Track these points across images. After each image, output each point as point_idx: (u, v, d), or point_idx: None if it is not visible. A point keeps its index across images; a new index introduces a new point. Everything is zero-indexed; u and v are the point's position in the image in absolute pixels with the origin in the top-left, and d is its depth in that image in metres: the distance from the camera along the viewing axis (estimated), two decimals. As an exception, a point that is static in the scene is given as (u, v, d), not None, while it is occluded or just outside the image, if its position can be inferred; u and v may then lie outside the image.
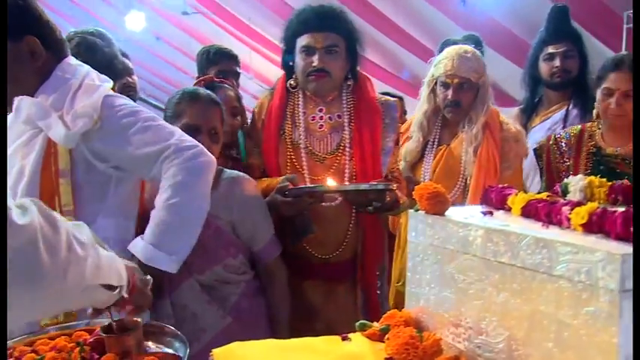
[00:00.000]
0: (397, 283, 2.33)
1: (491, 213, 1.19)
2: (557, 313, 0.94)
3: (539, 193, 1.50)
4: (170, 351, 1.16)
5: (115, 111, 1.53)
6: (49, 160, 1.54)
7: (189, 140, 1.54)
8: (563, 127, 2.72)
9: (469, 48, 2.37)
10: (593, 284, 0.88)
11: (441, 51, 2.98)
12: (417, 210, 1.21)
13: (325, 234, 1.93)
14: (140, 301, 1.16)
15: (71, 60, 1.58)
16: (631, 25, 7.16)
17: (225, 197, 1.76)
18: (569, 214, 1.03)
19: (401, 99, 4.98)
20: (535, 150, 2.43)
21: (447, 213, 1.18)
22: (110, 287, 1.03)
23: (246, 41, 10.99)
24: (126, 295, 1.08)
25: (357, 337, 1.22)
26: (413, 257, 1.23)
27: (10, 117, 1.60)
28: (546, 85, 2.85)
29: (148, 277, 1.21)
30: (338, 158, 2.00)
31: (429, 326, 1.19)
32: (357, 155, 1.99)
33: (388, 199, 1.86)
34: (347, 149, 2.00)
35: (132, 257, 1.45)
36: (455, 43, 2.98)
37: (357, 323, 1.25)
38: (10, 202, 0.84)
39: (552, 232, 1.01)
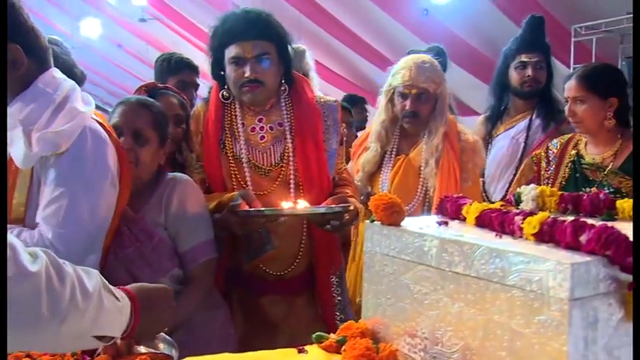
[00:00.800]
0: (356, 299, 2.28)
1: (446, 223, 1.20)
2: (510, 322, 0.95)
3: None
4: (161, 352, 1.17)
5: (87, 149, 1.46)
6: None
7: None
8: (526, 136, 2.83)
9: (427, 57, 2.37)
10: (544, 293, 0.89)
11: None
12: (372, 221, 1.21)
13: (278, 250, 1.87)
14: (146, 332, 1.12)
15: (56, 72, 1.49)
16: (578, 39, 7.43)
17: (162, 199, 1.73)
18: (522, 223, 1.05)
19: (364, 101, 5.03)
20: (532, 158, 2.49)
21: (402, 223, 1.18)
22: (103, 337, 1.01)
23: (205, 49, 10.88)
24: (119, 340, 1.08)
25: (313, 350, 1.21)
26: (369, 268, 1.23)
27: None
28: (515, 93, 2.90)
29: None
30: (283, 169, 1.93)
31: (385, 337, 1.19)
32: (301, 164, 1.92)
33: (347, 217, 1.81)
34: (291, 159, 1.93)
35: None
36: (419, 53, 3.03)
37: (314, 335, 1.24)
38: (20, 246, 0.88)
39: (505, 242, 1.02)
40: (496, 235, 1.08)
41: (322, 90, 2.91)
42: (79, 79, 2.18)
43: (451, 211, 1.27)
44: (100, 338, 1.00)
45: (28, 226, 1.46)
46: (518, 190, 1.44)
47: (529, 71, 2.82)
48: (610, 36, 7.46)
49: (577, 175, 2.25)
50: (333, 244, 2.02)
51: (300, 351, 1.19)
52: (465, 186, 2.31)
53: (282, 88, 1.97)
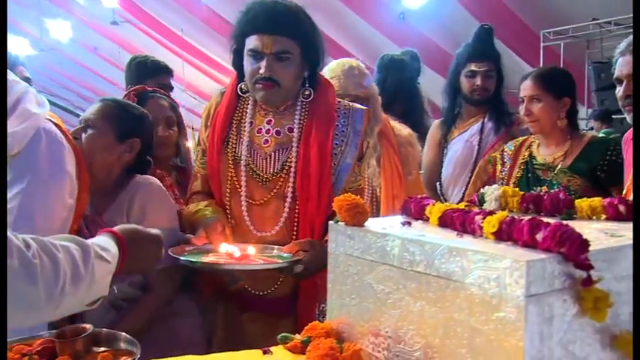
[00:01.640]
0: None
1: (409, 223, 1.21)
2: (469, 319, 0.96)
3: None
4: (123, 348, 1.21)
5: (41, 150, 1.44)
6: None
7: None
8: (480, 139, 2.91)
9: (354, 62, 2.35)
10: (501, 291, 0.91)
11: (379, 66, 3.07)
12: (337, 222, 1.22)
13: (276, 271, 1.72)
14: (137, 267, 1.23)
15: (9, 74, 1.47)
16: (547, 44, 7.57)
17: (125, 202, 1.72)
18: (482, 223, 1.06)
19: None
20: (488, 160, 2.61)
21: (366, 224, 1.19)
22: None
23: (179, 53, 10.86)
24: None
25: (278, 350, 1.21)
26: (333, 269, 1.23)
27: None
28: (466, 99, 2.99)
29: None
30: (282, 180, 1.79)
31: (349, 337, 1.20)
32: (300, 177, 1.77)
33: (298, 270, 1.64)
34: (292, 170, 1.78)
35: None
36: (392, 58, 3.06)
37: (279, 336, 1.24)
38: (13, 235, 0.93)
39: (465, 241, 1.04)
40: (457, 234, 1.10)
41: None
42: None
43: (415, 211, 1.28)
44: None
45: None
46: (481, 190, 1.47)
47: (478, 80, 2.90)
48: (577, 41, 7.64)
49: (529, 175, 2.34)
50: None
51: (265, 352, 1.20)
52: (410, 179, 2.36)
53: (307, 92, 1.84)
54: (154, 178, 1.88)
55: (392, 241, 1.09)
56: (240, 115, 1.87)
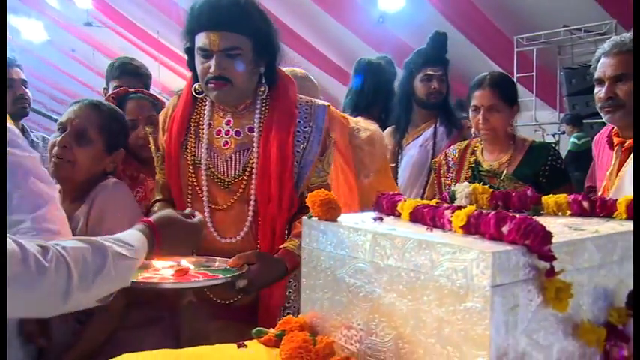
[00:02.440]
0: None
1: (381, 219, 1.24)
2: (438, 310, 0.99)
3: None
4: None
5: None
6: None
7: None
8: (434, 143, 3.03)
9: (299, 71, 2.34)
10: (468, 281, 0.94)
11: (357, 70, 3.11)
12: (310, 217, 1.24)
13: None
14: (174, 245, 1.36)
15: None
16: (520, 49, 7.71)
17: (87, 205, 1.71)
18: (451, 217, 1.10)
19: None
20: (431, 166, 2.66)
21: (338, 219, 1.21)
22: None
23: (155, 55, 10.80)
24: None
25: (253, 344, 1.23)
26: (306, 263, 1.25)
27: None
28: (420, 104, 3.08)
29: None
30: (244, 183, 1.73)
31: (323, 330, 1.22)
32: (260, 179, 1.71)
33: (241, 285, 1.52)
34: (254, 172, 1.72)
35: None
36: (370, 61, 3.11)
37: (254, 330, 1.26)
38: (27, 243, 1.02)
39: (435, 235, 1.07)
40: (427, 229, 1.13)
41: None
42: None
43: (387, 207, 1.31)
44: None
45: None
46: (452, 188, 1.51)
47: (434, 84, 3.01)
48: (548, 47, 7.80)
49: (476, 181, 2.33)
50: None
51: (239, 346, 1.21)
52: (367, 181, 2.34)
53: (262, 88, 1.76)
54: (119, 182, 1.85)
55: (364, 236, 1.12)
56: (197, 117, 1.79)
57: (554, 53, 7.90)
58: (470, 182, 2.34)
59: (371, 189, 2.33)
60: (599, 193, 2.07)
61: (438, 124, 3.05)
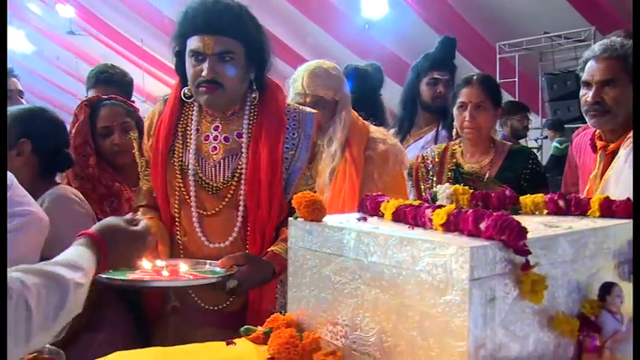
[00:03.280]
0: None
1: (365, 219, 1.28)
2: (419, 304, 1.03)
3: None
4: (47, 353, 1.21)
5: None
6: None
7: None
8: None
9: (324, 63, 2.32)
10: (448, 276, 0.98)
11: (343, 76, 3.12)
12: (296, 218, 1.28)
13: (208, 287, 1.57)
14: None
15: None
16: (503, 55, 7.83)
17: None
18: (431, 215, 1.14)
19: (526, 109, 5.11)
20: (408, 169, 2.58)
21: (324, 219, 1.25)
22: None
23: (139, 63, 10.78)
24: None
25: (241, 342, 1.26)
26: (293, 262, 1.29)
27: None
28: (425, 107, 3.10)
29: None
30: (233, 188, 1.73)
31: (309, 327, 1.25)
32: (250, 184, 1.71)
33: (231, 286, 1.54)
34: (243, 178, 1.72)
35: None
36: (356, 67, 3.10)
37: (242, 328, 1.29)
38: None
39: (416, 233, 1.11)
40: (409, 227, 1.17)
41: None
42: None
43: (370, 208, 1.35)
44: None
45: None
46: (434, 189, 1.55)
47: (440, 88, 3.03)
48: (530, 53, 7.93)
49: (458, 183, 2.33)
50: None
51: (228, 343, 1.24)
52: (387, 180, 2.29)
53: (253, 95, 1.78)
54: (66, 188, 1.87)
55: (348, 234, 1.16)
56: (185, 122, 1.79)
57: (535, 59, 8.03)
58: (452, 184, 2.39)
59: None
60: (584, 194, 2.10)
61: (440, 128, 3.04)
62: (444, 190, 1.51)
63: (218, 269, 1.56)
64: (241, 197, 1.72)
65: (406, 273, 1.05)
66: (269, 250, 1.70)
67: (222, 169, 1.74)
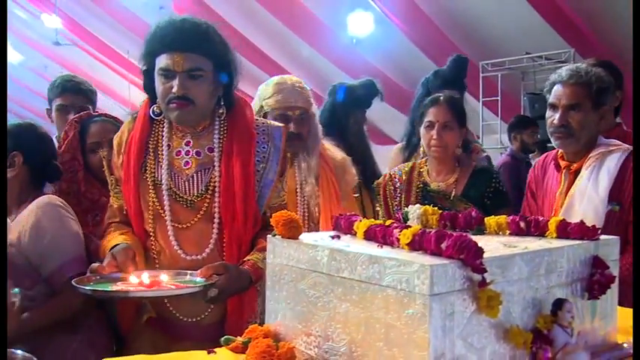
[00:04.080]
0: None
1: (338, 237, 1.37)
2: (386, 317, 1.12)
3: None
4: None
5: None
6: None
7: None
8: None
9: (295, 78, 2.42)
10: (411, 291, 1.07)
11: (332, 93, 3.12)
12: (274, 235, 1.37)
13: (189, 296, 1.60)
14: None
15: None
16: (486, 74, 7.99)
17: (20, 222, 1.78)
18: (399, 235, 1.23)
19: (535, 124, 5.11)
20: (373, 187, 2.67)
21: (300, 237, 1.34)
22: None
23: (125, 75, 10.81)
24: None
25: (222, 351, 1.34)
26: (271, 277, 1.38)
27: None
28: None
29: None
30: (207, 201, 1.76)
31: (285, 337, 1.33)
32: (224, 197, 1.75)
33: (212, 295, 1.59)
34: (217, 190, 1.76)
35: None
36: (342, 84, 3.13)
37: (222, 338, 1.37)
38: None
39: (384, 251, 1.20)
40: (378, 245, 1.27)
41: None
42: None
43: (344, 227, 1.44)
44: None
45: None
46: (405, 209, 1.65)
47: None
48: (512, 73, 8.10)
49: (426, 202, 2.34)
50: (250, 291, 1.79)
51: (209, 352, 1.32)
52: (344, 204, 2.42)
53: (221, 110, 1.83)
54: (51, 197, 1.91)
55: (322, 252, 1.25)
56: (155, 139, 1.82)
57: (518, 79, 8.20)
58: (420, 203, 2.37)
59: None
60: (552, 213, 2.21)
61: None
62: (414, 211, 1.60)
63: (198, 279, 1.62)
64: (216, 209, 1.76)
65: (374, 288, 1.14)
66: (245, 259, 1.76)
67: (195, 183, 1.78)
